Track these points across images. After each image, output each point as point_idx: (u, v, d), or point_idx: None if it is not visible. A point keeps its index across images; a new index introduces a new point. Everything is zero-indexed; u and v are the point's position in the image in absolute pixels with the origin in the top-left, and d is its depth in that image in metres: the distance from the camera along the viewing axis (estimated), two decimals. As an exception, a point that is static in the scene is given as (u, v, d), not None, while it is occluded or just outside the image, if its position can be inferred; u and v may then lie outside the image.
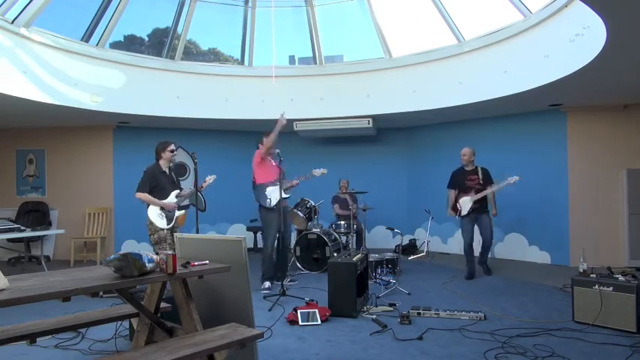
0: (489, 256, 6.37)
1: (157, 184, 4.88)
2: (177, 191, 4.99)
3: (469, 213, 6.02)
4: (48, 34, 6.19)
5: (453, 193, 6.24)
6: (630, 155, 6.81)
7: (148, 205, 4.84)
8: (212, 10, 7.64)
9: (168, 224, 4.85)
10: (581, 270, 4.18)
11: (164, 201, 4.86)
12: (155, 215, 4.82)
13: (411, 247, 8.29)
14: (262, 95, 7.65)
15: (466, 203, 6.03)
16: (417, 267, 7.02)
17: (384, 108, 7.46)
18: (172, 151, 4.93)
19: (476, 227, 6.10)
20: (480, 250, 6.20)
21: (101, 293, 4.73)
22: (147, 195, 4.81)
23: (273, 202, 5.59)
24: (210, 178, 5.10)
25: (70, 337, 3.76)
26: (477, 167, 6.17)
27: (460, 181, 6.17)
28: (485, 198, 6.03)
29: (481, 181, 6.03)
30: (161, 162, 4.96)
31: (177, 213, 4.98)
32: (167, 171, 5.00)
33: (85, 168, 8.19)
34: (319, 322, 4.17)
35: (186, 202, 5.14)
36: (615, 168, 6.86)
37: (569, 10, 5.13)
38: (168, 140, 5.00)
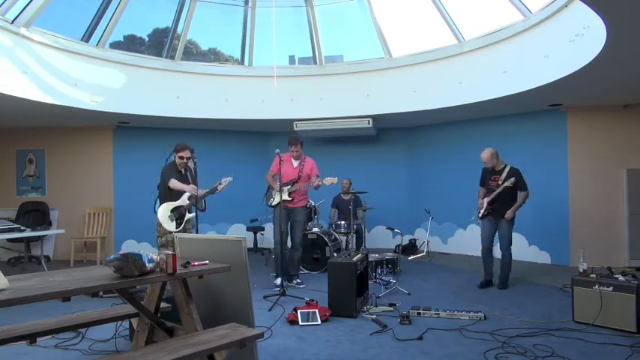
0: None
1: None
2: (188, 194, 4.89)
3: (485, 215, 5.60)
4: (48, 34, 6.19)
5: (481, 191, 5.76)
6: (630, 155, 6.80)
7: (159, 205, 4.82)
8: (212, 10, 7.65)
9: (177, 227, 4.76)
10: (581, 270, 4.18)
11: (189, 186, 4.89)
12: (165, 217, 4.75)
13: (411, 247, 8.29)
14: (262, 95, 7.65)
15: (483, 205, 5.62)
16: (417, 267, 7.02)
17: (384, 108, 7.46)
18: (182, 158, 4.93)
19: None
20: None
21: (101, 293, 4.74)
22: (176, 182, 4.83)
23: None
24: (225, 180, 5.13)
25: (70, 337, 3.76)
26: (505, 166, 5.59)
27: (485, 180, 5.73)
28: (504, 201, 5.46)
29: (501, 182, 5.48)
30: (177, 161, 4.99)
31: (188, 216, 4.91)
32: (182, 171, 5.00)
33: (85, 168, 8.19)
34: (319, 322, 4.17)
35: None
36: (615, 168, 6.86)
37: (569, 10, 5.12)
38: (187, 146, 4.96)
